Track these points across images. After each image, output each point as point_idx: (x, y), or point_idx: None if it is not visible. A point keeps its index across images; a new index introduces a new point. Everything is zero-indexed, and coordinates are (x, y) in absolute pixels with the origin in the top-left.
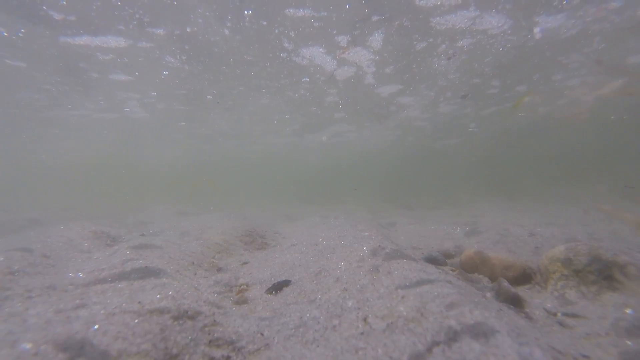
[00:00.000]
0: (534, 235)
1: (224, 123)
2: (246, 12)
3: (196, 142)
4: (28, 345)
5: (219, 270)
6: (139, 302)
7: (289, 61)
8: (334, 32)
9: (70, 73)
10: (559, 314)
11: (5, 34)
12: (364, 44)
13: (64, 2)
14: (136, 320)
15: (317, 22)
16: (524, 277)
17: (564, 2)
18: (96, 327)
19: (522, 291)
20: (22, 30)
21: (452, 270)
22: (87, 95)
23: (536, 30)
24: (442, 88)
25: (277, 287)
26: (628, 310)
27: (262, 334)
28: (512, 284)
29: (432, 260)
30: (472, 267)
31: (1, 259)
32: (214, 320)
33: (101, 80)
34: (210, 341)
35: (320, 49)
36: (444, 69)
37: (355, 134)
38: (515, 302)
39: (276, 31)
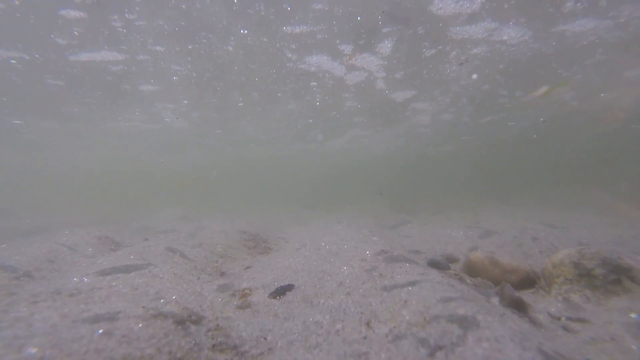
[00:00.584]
0: (538, 240)
1: (251, 129)
2: (242, 31)
3: (223, 148)
4: (34, 350)
5: (222, 274)
6: (143, 307)
7: (295, 69)
8: (337, 42)
9: (105, 87)
10: (563, 319)
11: (27, 57)
12: (372, 50)
13: (75, 33)
14: (140, 325)
15: (319, 34)
16: (528, 281)
17: (580, 6)
18: (101, 331)
19: (525, 295)
20: (36, 55)
21: (455, 275)
22: (127, 108)
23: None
24: (457, 94)
25: (280, 292)
26: (633, 315)
27: (265, 339)
28: (515, 288)
29: (435, 265)
30: (476, 272)
31: (7, 264)
32: (218, 325)
33: (134, 93)
34: (213, 345)
35: (325, 57)
36: (455, 75)
37: (368, 140)
38: (519, 307)
39: (277, 45)
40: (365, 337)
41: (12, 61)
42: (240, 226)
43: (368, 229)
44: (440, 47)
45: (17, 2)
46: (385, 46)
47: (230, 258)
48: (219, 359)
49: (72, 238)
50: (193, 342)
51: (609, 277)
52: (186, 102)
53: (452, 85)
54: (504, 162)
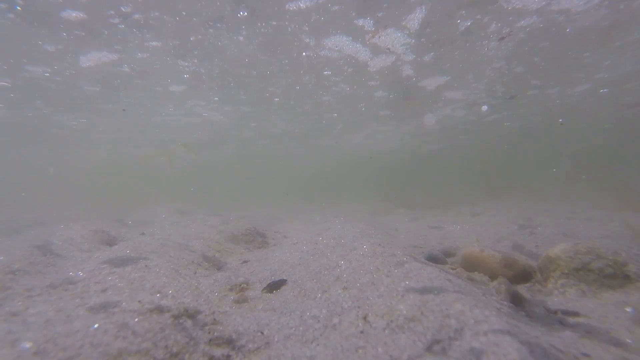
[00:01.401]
0: (534, 234)
1: (281, 123)
2: (241, 14)
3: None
4: (28, 345)
5: (219, 269)
6: (139, 301)
7: (315, 57)
8: (352, 15)
9: (137, 89)
10: (560, 313)
11: (49, 70)
12: (398, 24)
13: (64, 34)
14: (136, 319)
15: (334, 5)
16: (524, 275)
17: None
18: (96, 325)
19: (522, 289)
20: (48, 71)
21: (453, 269)
22: (163, 106)
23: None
24: (491, 79)
25: (275, 286)
26: (628, 309)
27: (262, 333)
28: (512, 283)
29: (433, 259)
30: (473, 266)
31: (1, 258)
32: (214, 319)
33: (164, 93)
34: (210, 340)
35: (345, 37)
36: (492, 53)
37: (384, 135)
38: (516, 301)
39: (289, 29)
40: (362, 332)
41: (46, 74)
42: (237, 221)
43: (365, 223)
44: (478, 16)
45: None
46: (415, 17)
47: (227, 252)
48: (215, 353)
49: (67, 232)
50: (189, 336)
51: (605, 272)
52: (217, 98)
53: (486, 69)
54: (501, 160)
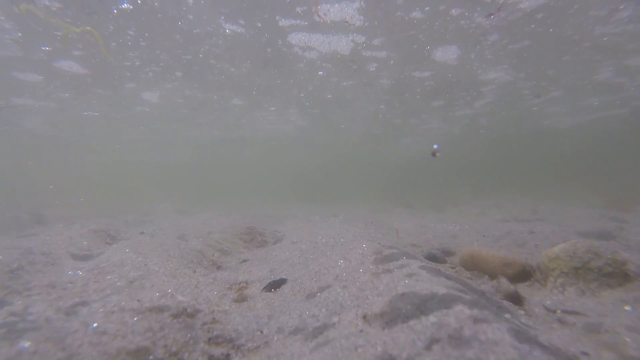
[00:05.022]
0: (534, 233)
1: (341, 122)
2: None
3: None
4: (27, 344)
5: (219, 268)
6: (138, 300)
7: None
8: None
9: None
10: (559, 311)
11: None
12: None
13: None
14: (135, 318)
15: None
16: (524, 274)
17: None
18: (95, 325)
19: (521, 288)
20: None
21: (452, 268)
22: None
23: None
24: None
25: (275, 285)
26: (627, 308)
27: (261, 332)
28: (511, 282)
29: (432, 258)
30: (472, 265)
31: (0, 257)
32: (213, 318)
33: (228, 109)
34: (209, 339)
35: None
36: (485, 21)
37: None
38: (515, 300)
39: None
40: (361, 330)
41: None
42: (236, 220)
43: (364, 222)
44: None
45: None
46: None
47: (227, 251)
48: (214, 352)
49: (67, 231)
50: (189, 335)
51: (604, 270)
52: (273, 108)
53: (480, 36)
54: (504, 160)
